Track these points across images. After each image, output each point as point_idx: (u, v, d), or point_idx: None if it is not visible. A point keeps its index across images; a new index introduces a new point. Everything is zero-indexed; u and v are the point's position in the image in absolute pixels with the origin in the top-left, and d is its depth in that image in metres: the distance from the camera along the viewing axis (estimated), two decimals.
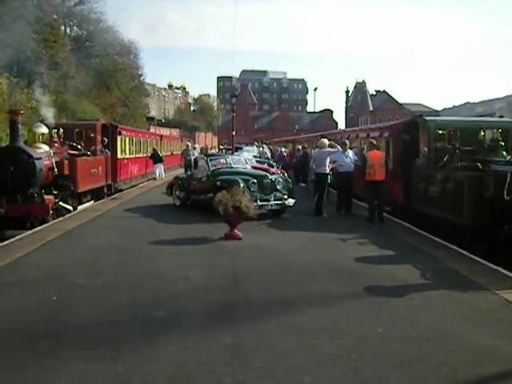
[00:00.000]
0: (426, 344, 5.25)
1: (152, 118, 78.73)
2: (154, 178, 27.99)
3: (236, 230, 10.67)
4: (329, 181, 14.93)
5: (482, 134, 11.42)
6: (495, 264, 8.58)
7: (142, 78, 68.86)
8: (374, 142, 14.07)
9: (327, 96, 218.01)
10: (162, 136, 39.48)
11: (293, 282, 7.53)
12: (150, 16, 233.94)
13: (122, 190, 22.47)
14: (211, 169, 15.01)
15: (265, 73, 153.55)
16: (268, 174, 14.64)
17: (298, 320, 5.89)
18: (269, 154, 31.56)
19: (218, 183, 13.49)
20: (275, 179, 14.15)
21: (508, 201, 9.10)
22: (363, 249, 9.88)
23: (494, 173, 9.72)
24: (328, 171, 14.42)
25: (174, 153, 39.62)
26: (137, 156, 27.33)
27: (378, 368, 4.66)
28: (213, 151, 49.73)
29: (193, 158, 26.81)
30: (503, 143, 10.81)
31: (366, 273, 8.06)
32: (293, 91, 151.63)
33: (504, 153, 10.65)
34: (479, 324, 5.91)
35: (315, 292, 7.01)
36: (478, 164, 10.19)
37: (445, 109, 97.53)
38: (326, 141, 15.35)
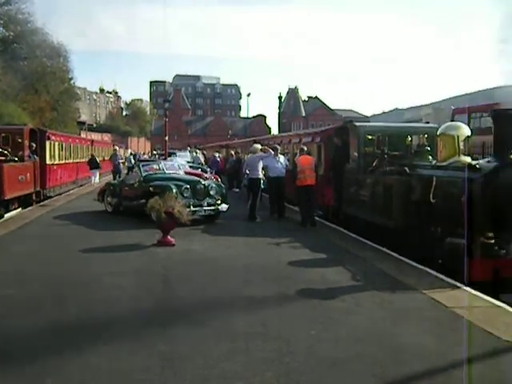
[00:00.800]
0: (357, 344, 5.36)
1: (83, 123, 77.07)
2: (91, 184, 27.51)
3: (169, 236, 10.56)
4: (262, 186, 15.02)
5: (409, 139, 11.77)
6: (423, 265, 8.86)
7: (72, 82, 67.11)
8: (305, 148, 14.28)
9: (260, 101, 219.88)
10: (93, 141, 38.68)
11: (226, 287, 7.54)
12: (81, 18, 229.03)
13: (51, 197, 21.85)
14: (143, 174, 14.81)
15: (198, 78, 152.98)
16: (201, 180, 14.60)
17: (232, 325, 5.90)
18: (202, 160, 31.47)
19: (151, 189, 13.34)
20: (208, 184, 14.12)
21: (434, 203, 9.44)
22: (296, 252, 10.00)
23: (420, 177, 10.05)
24: (261, 176, 14.55)
25: (106, 158, 38.88)
26: (67, 162, 26.66)
27: (311, 370, 4.72)
28: (145, 156, 49.07)
29: (119, 162, 26.68)
30: (429, 148, 11.18)
31: (299, 276, 8.16)
32: (226, 96, 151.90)
33: (430, 157, 11.00)
34: (408, 323, 6.08)
35: (249, 296, 7.03)
36: (406, 168, 10.51)
37: (375, 115, 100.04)
38: (258, 146, 15.48)
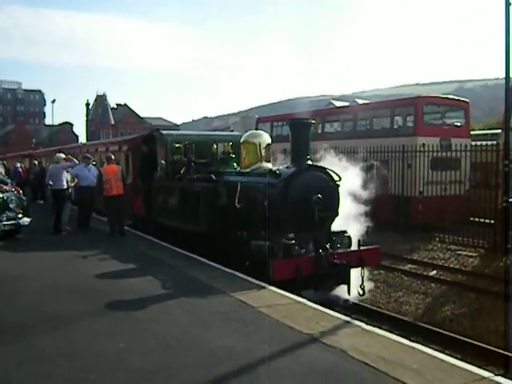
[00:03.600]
0: (167, 353, 5.36)
1: None
2: None
3: None
4: (71, 196, 14.45)
5: (215, 147, 12.07)
6: (232, 268, 9.12)
7: None
8: (112, 157, 13.95)
9: (67, 109, 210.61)
10: None
11: (27, 307, 7.06)
12: None
13: None
14: None
15: None
16: None
17: (35, 347, 5.55)
18: (3, 171, 29.29)
19: None
20: (7, 197, 13.07)
21: (239, 208, 9.80)
22: (104, 264, 9.72)
23: (226, 183, 10.37)
24: (65, 186, 13.90)
25: None
26: None
27: None
28: None
29: None
30: (234, 155, 11.57)
31: (108, 289, 7.94)
32: (29, 103, 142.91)
33: (235, 164, 11.40)
34: (217, 326, 6.22)
35: (53, 315, 6.67)
36: (212, 175, 10.77)
37: (184, 123, 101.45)
38: (61, 155, 14.81)
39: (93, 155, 19.60)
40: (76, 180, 14.34)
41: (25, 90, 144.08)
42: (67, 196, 14.24)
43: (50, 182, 14.10)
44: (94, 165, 16.29)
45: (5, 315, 6.74)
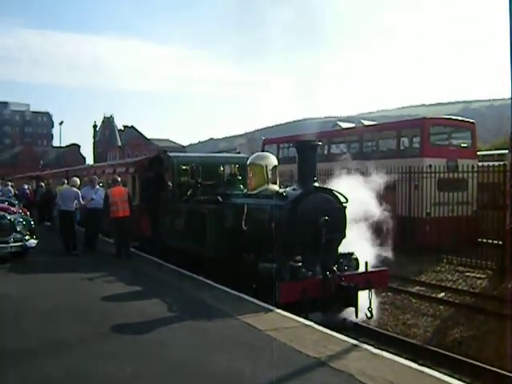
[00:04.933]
0: (173, 377, 5.32)
1: None
2: None
3: None
4: (78, 217, 14.47)
5: (222, 169, 12.09)
6: (239, 290, 9.07)
7: None
8: (118, 179, 14.01)
9: (74, 130, 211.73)
10: None
11: (34, 330, 7.02)
12: None
13: None
14: None
15: (5, 104, 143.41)
16: (6, 214, 13.52)
17: (40, 370, 5.52)
18: (13, 191, 29.41)
19: None
20: (14, 219, 13.09)
21: (246, 230, 9.79)
22: (111, 287, 9.68)
23: (232, 205, 10.37)
24: (73, 209, 13.95)
25: None
26: None
27: None
28: None
29: None
30: (240, 177, 11.59)
31: (114, 311, 7.92)
32: (37, 124, 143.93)
33: (241, 186, 11.41)
34: (224, 350, 6.16)
35: (59, 337, 6.64)
36: (219, 197, 10.77)
37: (191, 144, 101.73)
38: (77, 180, 14.89)
39: (100, 177, 19.72)
40: (88, 198, 14.33)
41: (33, 112, 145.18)
42: (73, 218, 14.27)
43: (60, 202, 14.17)
44: (101, 186, 16.35)
45: (10, 337, 6.72)
